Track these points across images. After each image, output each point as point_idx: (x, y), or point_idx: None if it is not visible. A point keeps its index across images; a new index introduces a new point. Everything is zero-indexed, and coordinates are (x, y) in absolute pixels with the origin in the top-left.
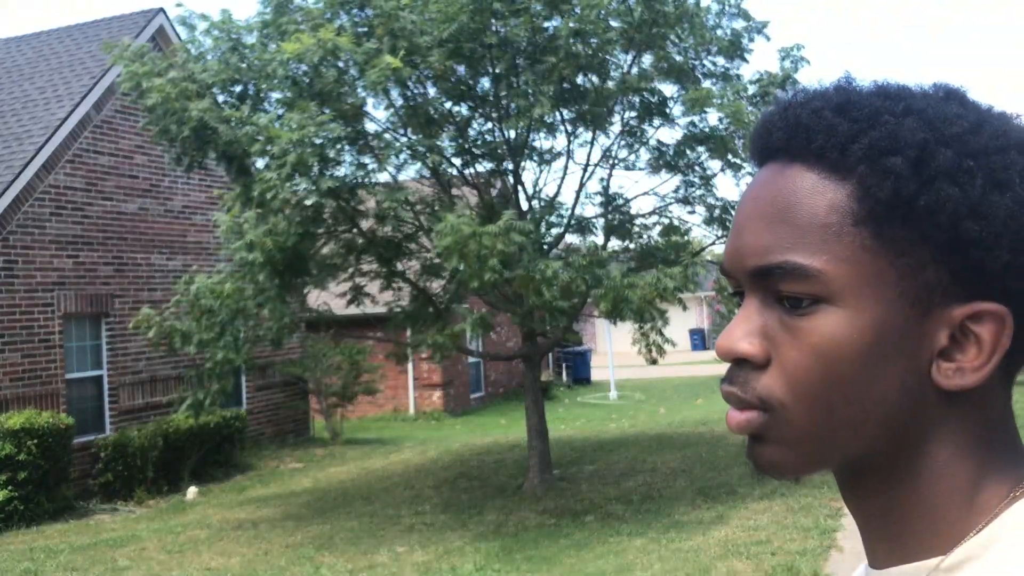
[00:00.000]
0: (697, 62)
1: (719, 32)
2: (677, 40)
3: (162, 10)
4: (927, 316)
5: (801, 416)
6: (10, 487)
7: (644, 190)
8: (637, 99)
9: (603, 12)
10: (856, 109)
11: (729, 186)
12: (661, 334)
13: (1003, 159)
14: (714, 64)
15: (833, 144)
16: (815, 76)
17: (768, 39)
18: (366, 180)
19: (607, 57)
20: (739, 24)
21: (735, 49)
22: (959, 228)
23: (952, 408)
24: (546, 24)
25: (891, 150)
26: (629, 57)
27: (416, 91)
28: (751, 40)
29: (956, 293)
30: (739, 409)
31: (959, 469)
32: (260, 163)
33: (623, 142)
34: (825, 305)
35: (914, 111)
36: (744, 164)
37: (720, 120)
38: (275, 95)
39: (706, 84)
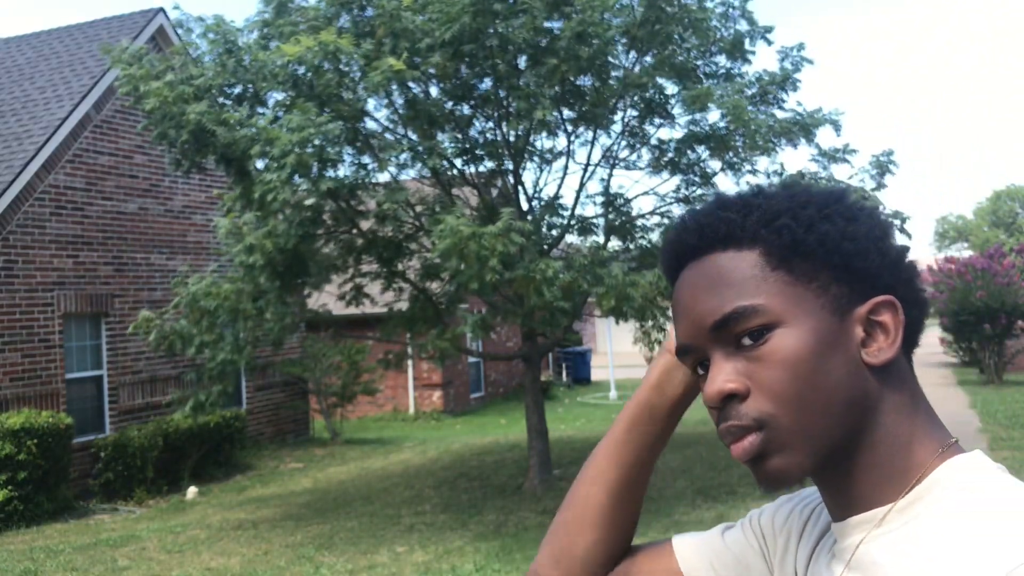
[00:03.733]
0: (701, 62)
1: (722, 33)
2: (679, 40)
3: (162, 10)
4: (844, 319)
5: (789, 418)
6: (10, 487)
7: (644, 190)
8: (638, 97)
9: (604, 14)
10: (732, 204)
11: (729, 185)
12: (663, 331)
13: (841, 207)
14: (716, 64)
15: (733, 227)
16: (818, 76)
17: (769, 43)
18: (366, 180)
19: (608, 57)
20: (743, 26)
21: (737, 50)
22: (840, 248)
23: (886, 381)
24: (547, 24)
25: (776, 215)
26: (631, 56)
27: (418, 91)
28: (753, 43)
29: (856, 299)
30: (739, 439)
31: (899, 431)
32: (259, 164)
33: (624, 142)
34: (777, 329)
35: (770, 195)
36: (743, 163)
37: (721, 117)
38: (275, 96)
39: (708, 84)
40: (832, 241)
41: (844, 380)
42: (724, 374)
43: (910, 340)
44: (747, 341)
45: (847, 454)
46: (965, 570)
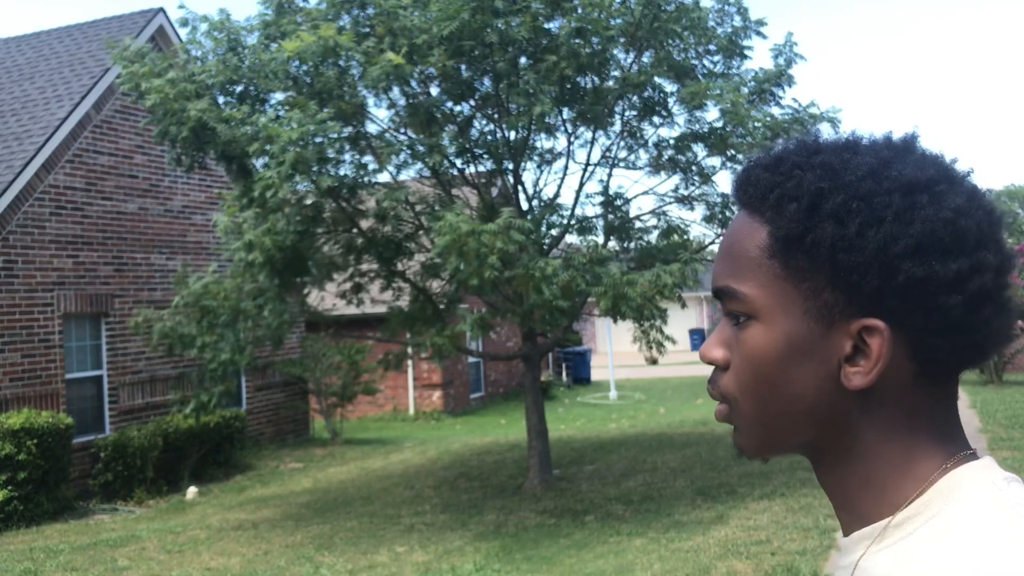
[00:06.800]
0: (697, 62)
1: (719, 31)
2: (678, 38)
3: (162, 10)
4: (831, 329)
5: (746, 407)
6: (10, 487)
7: (644, 190)
8: (637, 97)
9: (604, 13)
10: (783, 165)
11: (728, 183)
12: (661, 332)
13: (885, 199)
14: (713, 63)
15: (757, 195)
16: (819, 74)
17: (765, 37)
18: (366, 180)
19: (608, 56)
20: (737, 22)
21: (734, 48)
22: (836, 259)
23: (869, 403)
24: (547, 25)
25: (793, 198)
26: (630, 56)
27: (418, 90)
28: (748, 38)
29: (853, 311)
30: (719, 402)
31: (888, 449)
32: (260, 163)
33: (623, 142)
34: (753, 321)
35: (822, 165)
36: (743, 162)
37: (719, 115)
38: (276, 95)
39: (705, 83)
40: (829, 246)
41: (809, 392)
42: (717, 339)
43: (938, 366)
44: (733, 318)
45: (829, 466)
46: None
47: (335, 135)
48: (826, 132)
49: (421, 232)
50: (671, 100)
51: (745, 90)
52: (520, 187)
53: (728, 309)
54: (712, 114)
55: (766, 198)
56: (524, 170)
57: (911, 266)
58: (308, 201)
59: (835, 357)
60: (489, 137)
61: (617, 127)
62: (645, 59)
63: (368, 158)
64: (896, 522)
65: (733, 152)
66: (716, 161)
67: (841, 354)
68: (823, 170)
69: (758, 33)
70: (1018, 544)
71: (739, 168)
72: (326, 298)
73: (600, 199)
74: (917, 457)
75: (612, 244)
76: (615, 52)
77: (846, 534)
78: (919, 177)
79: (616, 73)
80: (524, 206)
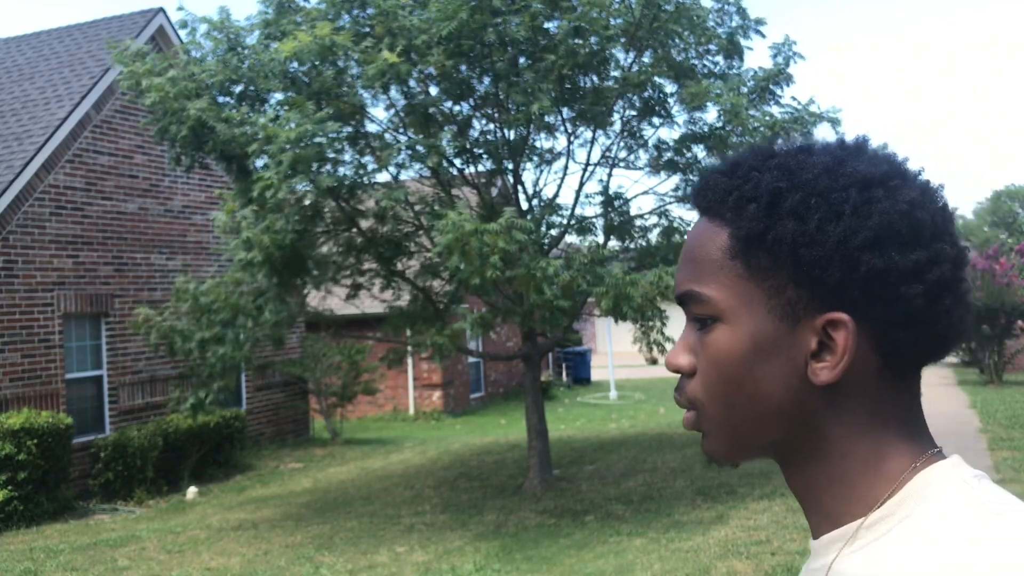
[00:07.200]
0: (697, 62)
1: (719, 31)
2: (678, 38)
3: (162, 10)
4: (796, 326)
5: (713, 411)
6: (10, 487)
7: (644, 189)
8: (637, 97)
9: (603, 12)
10: (739, 169)
11: None
12: (662, 333)
13: (842, 195)
14: (714, 64)
15: (716, 199)
16: (811, 71)
17: (764, 36)
18: (366, 180)
19: (607, 55)
20: (736, 22)
21: (733, 48)
22: (798, 254)
23: (835, 398)
24: (546, 25)
25: (752, 199)
26: (630, 56)
27: (416, 90)
28: (747, 37)
29: (816, 307)
30: (686, 410)
31: (857, 447)
32: (259, 163)
33: (623, 142)
34: (718, 323)
35: (778, 166)
36: None
37: (719, 116)
38: (276, 95)
39: (705, 83)
40: (790, 242)
41: (777, 390)
42: (682, 347)
43: (902, 359)
44: (698, 324)
45: (798, 466)
46: None
47: (334, 135)
48: (826, 132)
49: (421, 232)
50: (671, 100)
51: (744, 90)
52: (520, 187)
53: (692, 314)
54: (712, 114)
55: (725, 201)
56: (524, 170)
57: (871, 257)
58: (307, 201)
59: (801, 354)
60: (488, 137)
61: (617, 127)
62: (645, 59)
63: (368, 158)
64: (868, 523)
65: (733, 153)
66: (716, 161)
67: (807, 350)
68: (780, 171)
69: (757, 32)
70: (989, 542)
71: (695, 183)
72: (326, 297)
73: (600, 199)
74: (886, 454)
75: (612, 244)
76: (615, 52)
77: (815, 537)
78: (874, 173)
79: (616, 73)
80: (524, 206)
